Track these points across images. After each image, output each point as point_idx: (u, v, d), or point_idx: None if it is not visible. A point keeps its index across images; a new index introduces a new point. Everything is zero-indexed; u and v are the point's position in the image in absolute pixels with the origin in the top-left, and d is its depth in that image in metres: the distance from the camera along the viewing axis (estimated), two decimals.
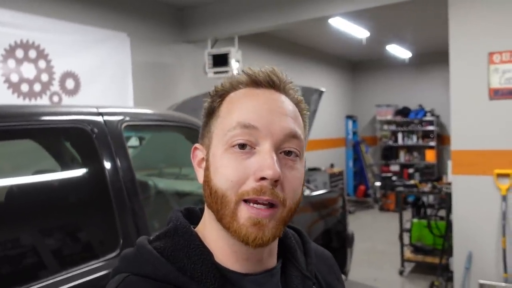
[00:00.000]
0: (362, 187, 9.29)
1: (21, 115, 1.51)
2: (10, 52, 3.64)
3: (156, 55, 5.15)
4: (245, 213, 0.63)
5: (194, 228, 0.72)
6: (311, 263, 0.77)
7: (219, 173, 0.65)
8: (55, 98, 3.97)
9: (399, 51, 8.51)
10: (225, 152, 0.65)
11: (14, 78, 3.67)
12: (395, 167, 9.44)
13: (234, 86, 0.70)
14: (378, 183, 8.75)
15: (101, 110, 1.71)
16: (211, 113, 0.71)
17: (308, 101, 3.30)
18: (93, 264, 1.51)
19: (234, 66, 5.06)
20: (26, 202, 1.55)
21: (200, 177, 0.71)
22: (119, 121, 1.74)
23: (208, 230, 0.70)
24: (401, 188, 5.18)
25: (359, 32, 6.39)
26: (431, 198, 6.02)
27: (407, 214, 5.70)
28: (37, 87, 3.84)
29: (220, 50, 5.15)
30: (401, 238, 4.94)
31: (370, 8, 4.47)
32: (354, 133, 9.80)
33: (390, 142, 9.54)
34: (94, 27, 4.30)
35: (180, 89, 5.40)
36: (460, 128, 3.80)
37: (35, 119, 1.51)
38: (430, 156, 9.08)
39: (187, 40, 5.49)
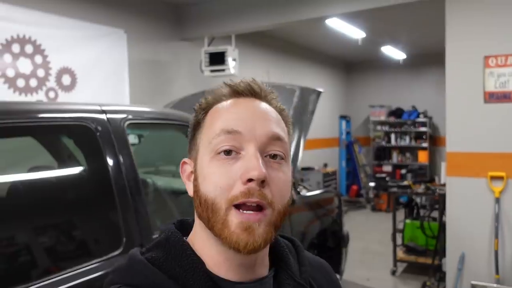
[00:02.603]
0: (354, 187, 9.34)
1: (25, 111, 1.50)
2: (6, 46, 3.61)
3: (152, 52, 5.13)
4: (235, 218, 0.63)
5: (186, 238, 0.73)
6: (305, 271, 0.77)
7: (207, 181, 0.66)
8: (51, 94, 3.95)
9: (393, 53, 8.55)
10: (212, 160, 0.66)
11: (10, 73, 3.64)
12: (387, 168, 9.50)
13: (217, 99, 0.72)
14: (372, 184, 8.80)
15: (104, 108, 1.71)
16: (196, 126, 0.73)
17: (306, 101, 3.32)
18: (95, 263, 1.51)
19: (231, 64, 5.06)
20: (27, 199, 1.54)
21: (190, 190, 0.72)
22: (122, 119, 1.74)
23: (199, 239, 0.71)
24: (395, 189, 5.22)
25: (355, 33, 6.42)
26: (423, 199, 6.07)
27: (400, 214, 5.74)
28: (33, 83, 3.81)
29: (217, 48, 5.14)
30: (394, 238, 4.98)
31: (367, 10, 4.50)
32: (348, 133, 9.85)
33: (383, 143, 9.59)
34: (91, 23, 4.28)
35: (176, 87, 5.38)
36: (455, 130, 3.84)
37: (39, 116, 1.50)
38: (423, 157, 9.15)
39: (184, 38, 5.47)
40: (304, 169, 7.82)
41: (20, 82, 3.71)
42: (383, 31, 7.06)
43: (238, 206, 0.63)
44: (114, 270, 0.70)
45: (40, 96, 3.86)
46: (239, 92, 0.71)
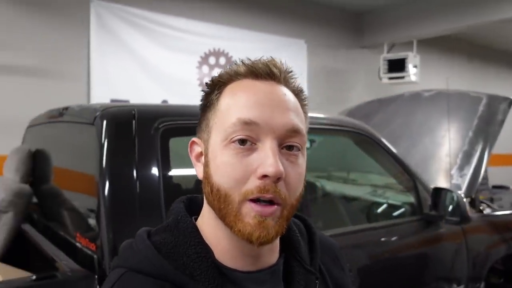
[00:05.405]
0: None
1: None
2: (204, 59, 4.16)
3: (331, 60, 5.26)
4: (250, 211, 0.61)
5: (195, 219, 0.71)
6: (315, 257, 0.74)
7: (221, 171, 0.63)
8: None
9: None
10: (225, 148, 0.63)
11: None
12: None
13: (232, 77, 0.68)
14: None
15: None
16: (209, 106, 0.69)
17: (494, 110, 2.99)
18: None
19: (411, 71, 4.86)
20: None
21: (199, 173, 0.69)
22: None
23: (207, 225, 0.69)
24: None
25: None
26: None
27: None
28: None
29: (396, 55, 5.00)
30: None
31: None
32: None
33: None
34: (274, 35, 4.62)
35: (353, 95, 5.40)
36: None
37: None
38: None
39: (363, 45, 5.46)
40: (495, 187, 6.95)
41: None
42: None
43: (251, 200, 0.61)
44: (121, 250, 0.70)
45: None
46: (257, 73, 0.66)
